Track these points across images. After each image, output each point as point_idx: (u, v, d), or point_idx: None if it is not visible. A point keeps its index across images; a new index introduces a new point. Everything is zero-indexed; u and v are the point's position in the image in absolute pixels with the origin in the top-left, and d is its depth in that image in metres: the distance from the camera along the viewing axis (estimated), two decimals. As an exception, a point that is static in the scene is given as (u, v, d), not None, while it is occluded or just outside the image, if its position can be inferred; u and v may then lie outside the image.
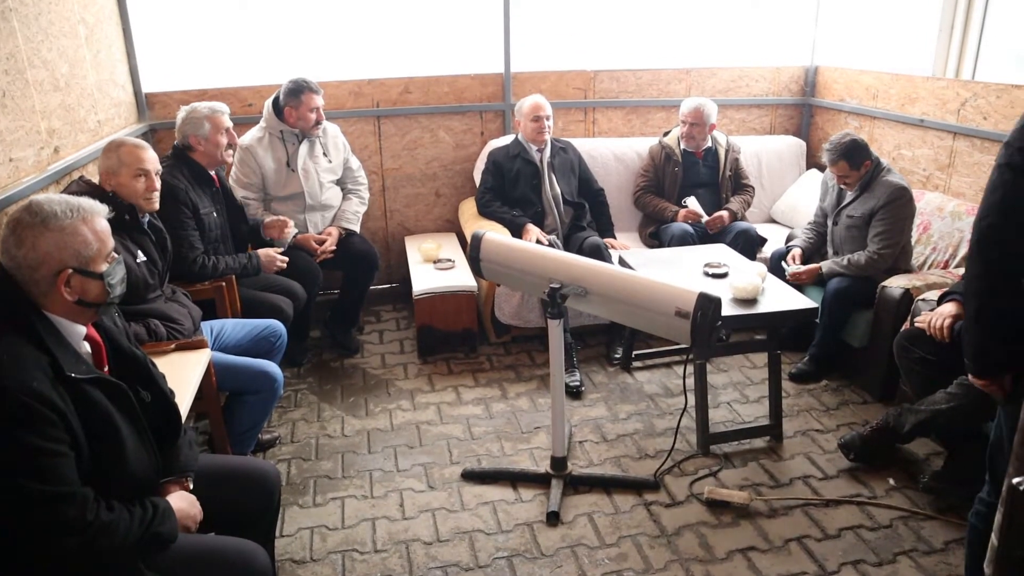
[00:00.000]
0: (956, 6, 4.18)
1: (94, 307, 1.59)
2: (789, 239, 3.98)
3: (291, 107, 3.56)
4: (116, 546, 1.45)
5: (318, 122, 3.63)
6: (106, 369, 1.66)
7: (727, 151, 4.21)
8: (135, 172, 2.51)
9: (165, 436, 1.74)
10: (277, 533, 2.31)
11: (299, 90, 3.54)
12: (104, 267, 1.59)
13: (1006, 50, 4.14)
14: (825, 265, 3.45)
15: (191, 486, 1.76)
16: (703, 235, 3.94)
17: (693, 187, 4.14)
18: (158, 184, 2.59)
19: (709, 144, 4.18)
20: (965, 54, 4.20)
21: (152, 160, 2.56)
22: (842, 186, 3.45)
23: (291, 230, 3.48)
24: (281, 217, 3.45)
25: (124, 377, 1.63)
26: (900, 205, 3.29)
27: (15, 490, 1.35)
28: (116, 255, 1.65)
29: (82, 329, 1.60)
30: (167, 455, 1.73)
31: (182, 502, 1.68)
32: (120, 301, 1.69)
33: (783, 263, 3.62)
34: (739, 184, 4.26)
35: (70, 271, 1.52)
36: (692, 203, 4.01)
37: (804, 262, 3.58)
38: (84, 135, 3.12)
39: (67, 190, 2.52)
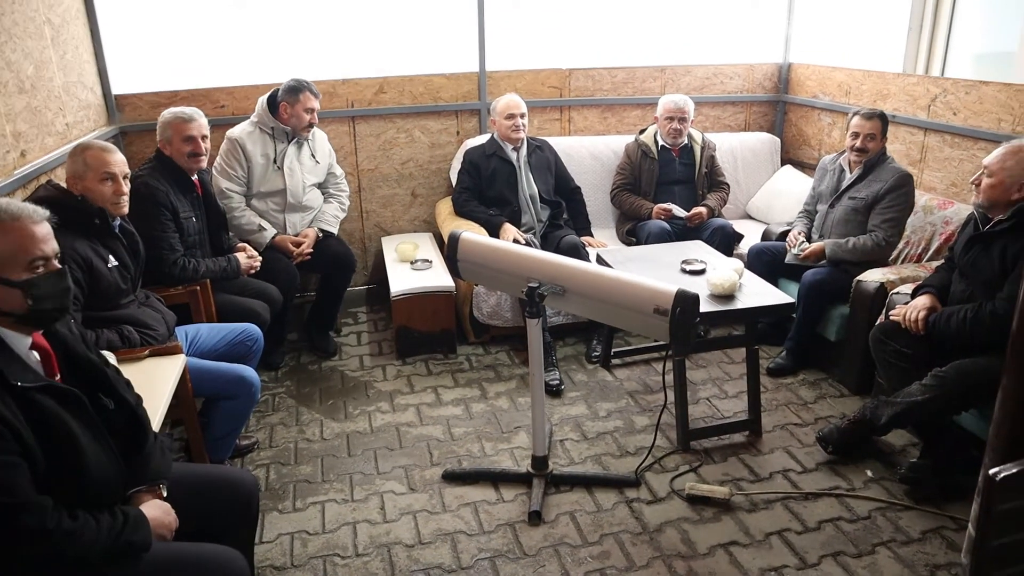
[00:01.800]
0: (925, 5, 4.24)
1: (11, 317, 1.51)
2: (765, 236, 4.01)
3: (287, 103, 3.54)
4: (83, 554, 1.43)
5: (311, 124, 3.62)
6: (58, 377, 1.61)
7: (703, 148, 4.23)
8: (101, 176, 2.46)
9: (132, 444, 1.70)
10: (257, 539, 2.28)
11: (299, 88, 3.54)
12: (26, 276, 1.52)
13: (972, 48, 4.22)
14: (828, 246, 3.44)
15: (165, 494, 1.73)
16: (681, 232, 3.95)
17: (669, 184, 4.16)
18: (126, 188, 2.54)
19: (685, 141, 4.19)
20: (934, 52, 4.26)
21: (119, 163, 2.51)
22: (857, 153, 3.42)
23: (268, 231, 3.46)
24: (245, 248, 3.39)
25: (81, 384, 1.59)
26: (908, 192, 3.34)
27: None
28: (57, 266, 1.59)
29: (27, 338, 1.56)
30: (136, 463, 1.70)
31: (156, 510, 1.64)
32: (61, 314, 1.62)
33: (787, 244, 3.62)
34: (715, 181, 4.29)
35: None
36: (674, 209, 4.01)
37: None
38: (52, 138, 3.06)
39: (34, 195, 2.46)
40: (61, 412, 1.48)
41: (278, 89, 3.59)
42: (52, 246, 1.59)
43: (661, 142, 4.18)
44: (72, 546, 1.41)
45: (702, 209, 4.04)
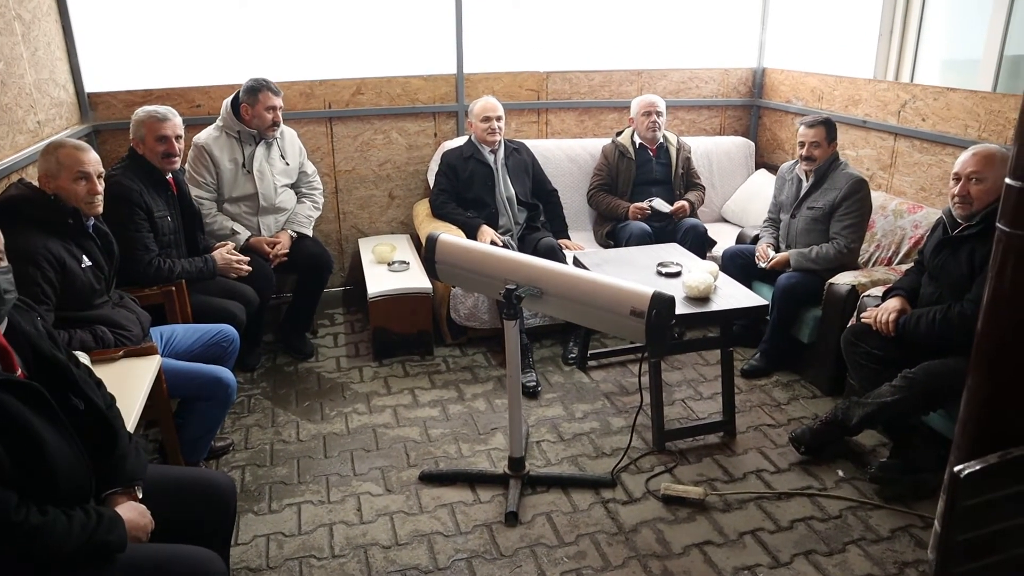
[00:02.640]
0: (895, 13, 4.32)
1: None
2: (740, 239, 4.06)
3: (247, 104, 3.50)
4: (54, 551, 1.41)
5: (275, 123, 3.58)
6: (19, 373, 1.59)
7: (678, 149, 4.28)
8: (75, 175, 2.43)
9: (102, 445, 1.69)
10: (232, 541, 2.26)
11: (257, 88, 3.50)
12: None
13: (939, 55, 4.31)
14: (792, 256, 3.49)
15: (140, 496, 1.72)
16: (659, 234, 3.98)
17: (647, 184, 4.20)
18: (101, 187, 2.51)
19: (662, 139, 4.24)
20: (904, 58, 4.34)
21: (93, 162, 2.49)
22: (806, 162, 3.46)
23: (242, 235, 3.44)
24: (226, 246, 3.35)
25: (47, 382, 1.58)
26: (863, 197, 3.39)
27: None
28: None
29: None
30: (108, 464, 1.68)
31: (131, 512, 1.63)
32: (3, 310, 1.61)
33: (756, 258, 3.66)
34: (691, 182, 4.35)
35: None
36: (657, 203, 4.05)
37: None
38: (23, 136, 3.02)
39: (5, 193, 2.43)
40: (20, 407, 1.46)
41: (240, 91, 3.56)
42: None
43: (639, 141, 4.22)
44: (40, 541, 1.39)
45: (684, 203, 4.11)
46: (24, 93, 3.09)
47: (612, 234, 4.13)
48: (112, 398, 1.81)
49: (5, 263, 1.61)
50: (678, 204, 4.09)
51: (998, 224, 1.25)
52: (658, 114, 4.15)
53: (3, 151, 2.83)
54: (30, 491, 1.43)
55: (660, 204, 4.05)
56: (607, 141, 4.37)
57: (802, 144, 3.46)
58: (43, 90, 3.30)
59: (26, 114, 3.09)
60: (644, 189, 4.18)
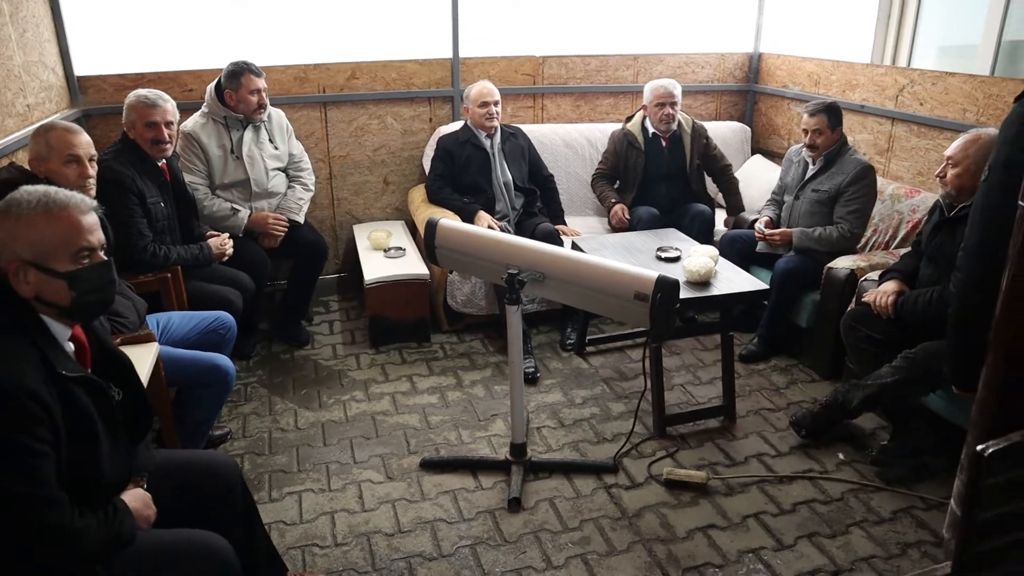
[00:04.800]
0: (892, -4, 4.32)
1: (55, 308, 1.48)
2: (737, 223, 4.04)
3: (231, 90, 3.45)
4: (86, 553, 1.40)
5: (261, 106, 3.52)
6: (89, 369, 1.58)
7: (693, 136, 4.07)
8: (65, 158, 2.39)
9: (133, 438, 1.67)
10: (257, 521, 2.19)
11: (239, 72, 3.44)
12: (71, 268, 1.48)
13: (937, 40, 4.31)
14: (795, 234, 3.46)
15: (145, 485, 1.70)
16: (667, 218, 3.90)
17: (657, 179, 4.02)
18: (92, 171, 2.47)
19: (675, 129, 4.04)
20: (901, 43, 4.34)
21: (84, 145, 2.44)
22: (809, 149, 3.44)
23: (243, 212, 3.46)
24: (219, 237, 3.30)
25: (106, 378, 1.56)
26: (870, 183, 3.39)
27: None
28: (103, 257, 1.55)
29: (67, 329, 1.53)
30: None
31: (136, 502, 1.61)
32: (104, 308, 1.60)
33: (755, 232, 3.62)
34: (717, 169, 4.14)
35: (21, 263, 1.44)
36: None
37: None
38: (12, 120, 2.96)
39: None
40: (90, 405, 1.45)
41: (221, 76, 3.50)
42: (98, 236, 1.54)
43: (652, 130, 4.03)
44: (78, 545, 1.38)
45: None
46: (12, 76, 3.03)
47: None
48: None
49: (109, 257, 1.58)
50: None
51: (1020, 202, 1.24)
52: (673, 105, 3.93)
53: (-7, 135, 2.78)
54: (76, 490, 1.41)
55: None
56: (604, 127, 4.33)
57: (805, 132, 3.44)
58: (32, 72, 3.24)
59: (15, 97, 3.03)
60: (654, 184, 4.02)
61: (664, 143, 4.05)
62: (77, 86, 3.71)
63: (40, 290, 1.46)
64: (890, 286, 2.82)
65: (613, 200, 4.03)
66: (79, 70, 3.71)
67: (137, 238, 2.86)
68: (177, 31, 3.97)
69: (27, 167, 2.44)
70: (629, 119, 4.15)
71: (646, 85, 4.05)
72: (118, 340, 2.31)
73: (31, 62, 3.23)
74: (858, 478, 2.71)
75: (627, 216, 3.95)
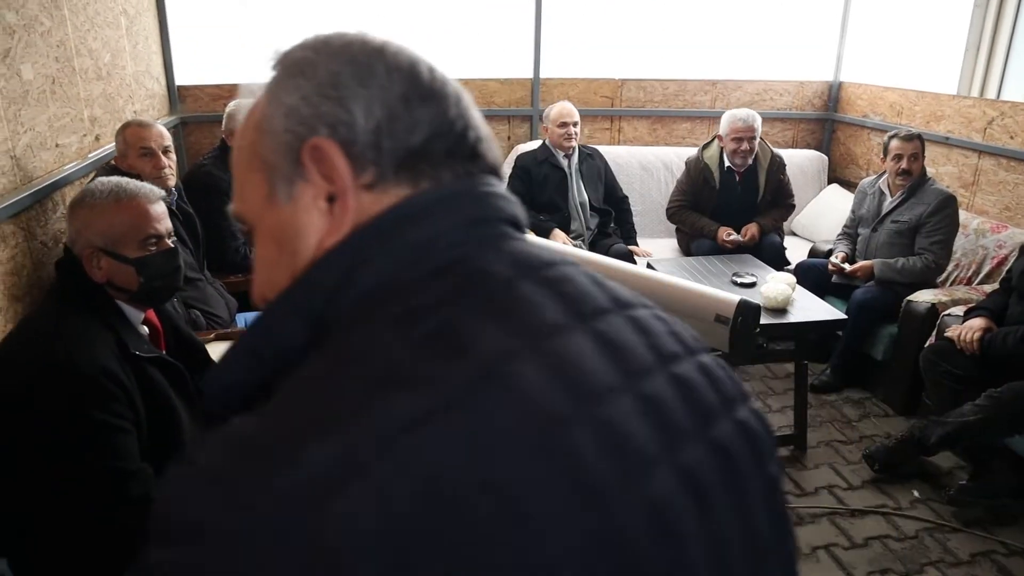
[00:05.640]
0: (984, 27, 4.23)
1: (125, 293, 1.57)
2: (812, 253, 4.01)
3: None
4: None
5: None
6: (164, 351, 1.67)
7: (769, 168, 3.95)
8: (139, 152, 2.52)
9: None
10: None
11: None
12: (139, 254, 1.56)
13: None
14: (877, 265, 3.41)
15: None
16: (737, 246, 3.85)
17: (726, 214, 3.93)
18: (167, 161, 2.58)
19: (751, 163, 3.92)
20: (991, 74, 4.25)
21: (156, 137, 2.56)
22: (903, 176, 3.37)
23: None
24: None
25: (183, 362, 1.65)
26: (952, 213, 3.33)
27: (83, 467, 1.35)
28: (170, 245, 1.63)
29: (140, 313, 1.62)
30: None
31: None
32: (171, 293, 1.69)
33: (830, 265, 3.56)
34: (783, 203, 4.06)
35: (94, 250, 1.53)
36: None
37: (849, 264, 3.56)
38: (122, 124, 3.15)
39: (97, 175, 2.55)
40: (166, 386, 1.53)
41: None
42: (166, 225, 1.63)
43: (727, 163, 3.93)
44: None
45: (753, 227, 3.86)
46: (125, 84, 3.22)
47: (687, 242, 4.07)
48: None
49: (176, 245, 1.67)
50: (748, 234, 3.83)
51: None
52: (751, 140, 3.79)
53: (106, 137, 2.96)
54: (160, 462, 1.49)
55: (736, 237, 3.81)
56: (680, 151, 4.34)
57: (898, 157, 3.37)
58: (140, 81, 3.44)
59: (125, 104, 3.22)
60: (723, 218, 3.90)
61: (738, 176, 3.96)
62: (176, 95, 3.92)
63: (111, 275, 1.54)
64: (977, 322, 2.76)
65: (713, 227, 3.89)
66: (179, 80, 3.92)
67: (230, 240, 3.00)
68: (272, 46, 4.15)
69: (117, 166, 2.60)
70: (706, 146, 4.04)
71: (724, 114, 3.93)
72: (212, 335, 2.43)
73: (140, 72, 3.44)
74: (934, 517, 2.65)
75: (733, 238, 3.82)
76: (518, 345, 0.48)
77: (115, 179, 1.61)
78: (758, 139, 3.88)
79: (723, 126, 3.91)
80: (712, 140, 4.02)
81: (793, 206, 4.14)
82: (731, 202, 3.95)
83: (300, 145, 0.55)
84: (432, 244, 0.54)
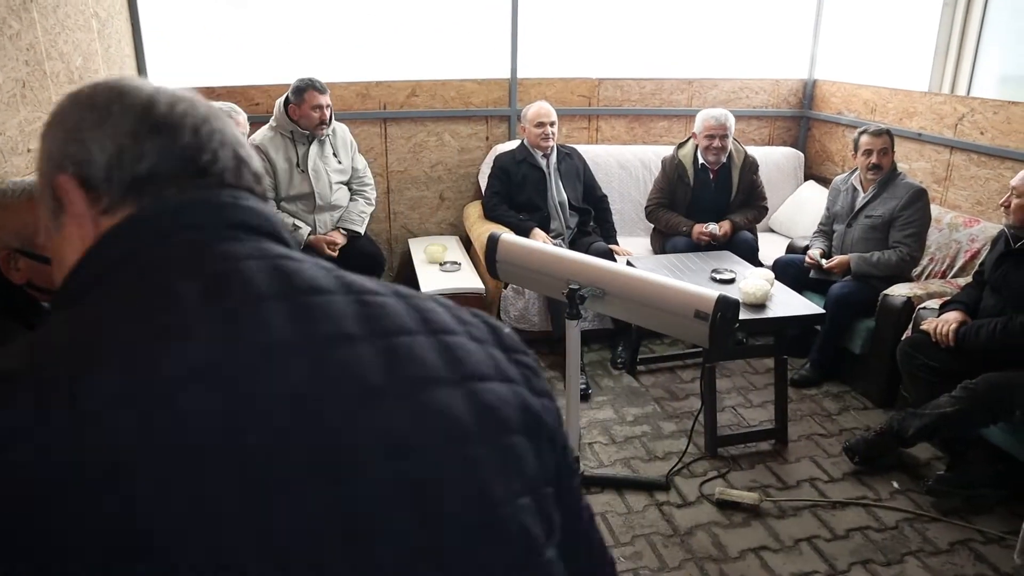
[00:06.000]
0: (952, 26, 4.29)
1: (48, 292, 1.52)
2: (790, 249, 4.05)
3: (295, 104, 3.56)
4: None
5: (322, 121, 3.61)
6: None
7: (742, 168, 4.04)
8: None
9: None
10: None
11: (303, 88, 3.55)
12: None
13: (998, 70, 4.27)
14: (853, 259, 3.46)
15: None
16: (710, 244, 3.90)
17: (700, 211, 3.99)
18: None
19: (724, 161, 3.99)
20: (960, 72, 4.31)
21: None
22: (873, 171, 3.43)
23: (303, 230, 3.53)
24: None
25: None
26: (924, 206, 3.39)
27: None
28: None
29: None
30: None
31: None
32: None
33: (807, 261, 3.62)
34: (748, 202, 4.10)
35: (10, 251, 1.50)
36: (712, 227, 3.89)
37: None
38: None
39: None
40: None
41: (288, 91, 3.61)
42: None
43: (701, 160, 4.00)
44: None
45: (727, 224, 3.93)
46: (98, 87, 3.18)
47: (663, 240, 4.11)
48: None
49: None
50: (723, 230, 3.90)
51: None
52: (723, 138, 3.88)
53: (79, 142, 2.93)
54: None
55: (713, 228, 3.89)
56: (658, 150, 4.36)
57: (868, 152, 3.43)
58: (114, 85, 3.39)
59: (99, 108, 3.18)
60: (697, 216, 3.98)
61: (712, 175, 4.02)
62: (152, 98, 3.87)
63: (31, 276, 1.51)
64: (953, 315, 2.80)
65: (687, 225, 3.95)
66: (154, 83, 3.87)
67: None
68: (247, 47, 4.13)
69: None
70: (681, 145, 4.10)
71: (699, 113, 4.01)
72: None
73: (113, 75, 3.39)
74: (913, 507, 2.68)
75: (709, 229, 3.88)
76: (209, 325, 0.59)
77: (30, 178, 1.58)
78: (731, 137, 3.95)
79: (697, 124, 4.00)
80: (688, 139, 4.10)
81: (766, 209, 4.20)
82: (705, 199, 4.02)
83: (53, 182, 0.67)
84: (131, 253, 0.64)
